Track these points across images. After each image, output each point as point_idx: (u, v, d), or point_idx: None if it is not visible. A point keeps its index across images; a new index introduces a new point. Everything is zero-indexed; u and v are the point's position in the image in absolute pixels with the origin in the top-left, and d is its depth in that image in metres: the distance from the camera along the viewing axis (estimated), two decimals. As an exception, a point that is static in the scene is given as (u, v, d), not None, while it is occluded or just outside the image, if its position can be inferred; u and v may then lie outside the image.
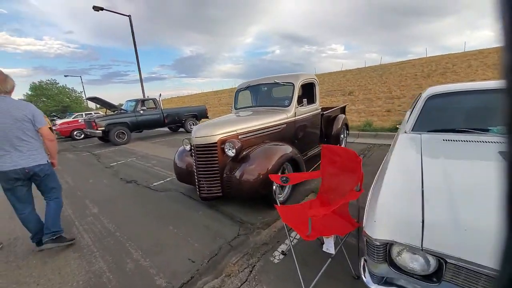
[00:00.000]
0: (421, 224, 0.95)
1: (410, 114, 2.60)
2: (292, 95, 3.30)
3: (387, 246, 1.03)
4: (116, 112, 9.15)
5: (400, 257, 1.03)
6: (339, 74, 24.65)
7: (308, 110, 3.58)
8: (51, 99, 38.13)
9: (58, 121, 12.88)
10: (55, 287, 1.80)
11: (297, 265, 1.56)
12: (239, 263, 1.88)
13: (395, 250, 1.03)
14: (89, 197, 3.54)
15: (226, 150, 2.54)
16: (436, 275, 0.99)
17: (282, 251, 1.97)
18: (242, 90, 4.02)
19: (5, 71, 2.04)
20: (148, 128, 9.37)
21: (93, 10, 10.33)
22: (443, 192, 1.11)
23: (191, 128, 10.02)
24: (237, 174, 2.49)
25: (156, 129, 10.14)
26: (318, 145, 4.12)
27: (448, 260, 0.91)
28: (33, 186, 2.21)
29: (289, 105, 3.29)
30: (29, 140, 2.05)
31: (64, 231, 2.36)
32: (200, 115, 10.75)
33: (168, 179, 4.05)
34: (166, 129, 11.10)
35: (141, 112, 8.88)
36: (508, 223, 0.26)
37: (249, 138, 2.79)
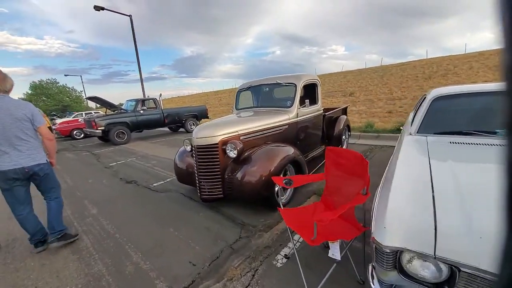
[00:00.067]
0: (433, 230, 0.92)
1: (414, 116, 2.57)
2: (294, 95, 3.27)
3: (397, 253, 0.99)
4: (116, 111, 9.12)
5: (410, 265, 0.99)
6: (340, 75, 24.64)
7: (311, 111, 3.55)
8: (51, 98, 38.08)
9: (58, 121, 12.84)
10: (53, 290, 1.77)
11: (301, 269, 1.52)
12: (241, 266, 1.84)
13: (405, 257, 0.99)
14: (88, 198, 3.51)
15: (228, 151, 2.51)
16: (448, 283, 0.95)
17: (285, 254, 1.93)
18: (244, 90, 3.98)
19: (6, 70, 2.03)
20: (148, 128, 9.33)
21: (94, 9, 10.30)
22: (455, 197, 1.07)
23: (191, 128, 10.00)
24: (239, 175, 2.46)
25: (156, 129, 10.10)
26: (320, 146, 4.09)
27: (462, 269, 0.87)
28: (31, 186, 2.18)
29: (291, 106, 3.26)
30: (28, 139, 2.04)
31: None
32: (201, 115, 10.71)
33: (168, 179, 4.02)
34: (166, 129, 11.06)
35: (141, 112, 8.84)
36: (508, 223, 0.26)
37: (251, 139, 2.75)
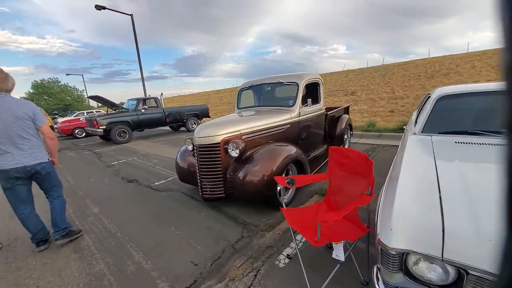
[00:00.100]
0: (441, 232, 0.90)
1: (418, 115, 2.54)
2: (297, 95, 3.24)
3: (403, 255, 0.97)
4: (117, 110, 9.12)
5: (416, 267, 0.97)
6: (341, 74, 24.55)
7: (313, 110, 3.53)
8: (52, 97, 38.16)
9: (60, 119, 12.87)
10: (54, 289, 1.76)
11: (304, 270, 1.51)
12: (243, 266, 1.83)
13: (411, 259, 0.97)
14: (90, 196, 3.51)
15: (230, 150, 2.49)
16: (455, 286, 0.93)
17: (288, 254, 1.92)
18: (245, 89, 3.96)
19: (7, 69, 2.03)
20: (149, 127, 9.34)
21: (95, 9, 10.29)
22: (462, 198, 1.05)
23: (192, 127, 10.00)
24: (241, 175, 2.44)
25: (158, 128, 10.10)
26: (322, 146, 4.06)
27: (471, 272, 0.86)
28: (33, 186, 2.18)
29: (293, 105, 3.23)
30: (30, 138, 2.04)
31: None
32: (202, 114, 10.71)
33: (170, 178, 4.01)
34: (167, 128, 11.06)
35: (143, 111, 8.84)
36: (508, 223, 0.26)
37: (253, 138, 2.74)
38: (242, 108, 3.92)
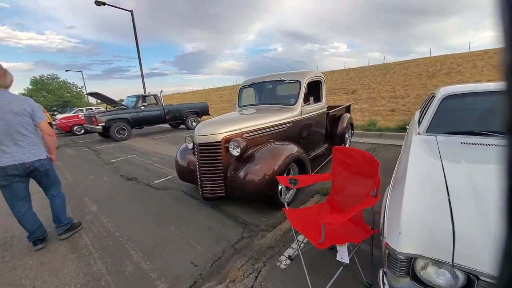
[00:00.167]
0: (451, 237, 0.87)
1: (421, 115, 2.50)
2: (299, 93, 3.20)
3: (411, 259, 0.94)
4: (116, 107, 9.06)
5: (424, 271, 0.94)
6: (342, 73, 24.47)
7: (315, 109, 3.49)
8: (51, 93, 37.97)
9: (59, 116, 12.79)
10: (51, 290, 1.73)
11: (306, 272, 1.48)
12: (244, 268, 1.80)
13: (419, 263, 0.94)
14: (88, 194, 3.47)
15: (231, 149, 2.46)
16: (464, 291, 0.90)
17: (289, 255, 1.89)
18: (246, 87, 3.92)
19: (6, 65, 2.00)
20: (149, 125, 9.28)
21: (95, 5, 10.18)
22: (471, 201, 1.02)
23: (192, 125, 9.95)
24: (241, 174, 2.41)
25: (157, 125, 10.04)
26: (323, 145, 4.03)
27: (482, 278, 0.83)
28: (30, 184, 2.14)
29: (295, 103, 3.19)
30: (29, 134, 2.02)
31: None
32: (202, 112, 10.64)
33: (169, 177, 3.97)
34: (167, 125, 11.00)
35: (142, 108, 8.78)
36: (508, 223, 0.26)
37: (254, 137, 2.70)
38: (243, 106, 3.87)
